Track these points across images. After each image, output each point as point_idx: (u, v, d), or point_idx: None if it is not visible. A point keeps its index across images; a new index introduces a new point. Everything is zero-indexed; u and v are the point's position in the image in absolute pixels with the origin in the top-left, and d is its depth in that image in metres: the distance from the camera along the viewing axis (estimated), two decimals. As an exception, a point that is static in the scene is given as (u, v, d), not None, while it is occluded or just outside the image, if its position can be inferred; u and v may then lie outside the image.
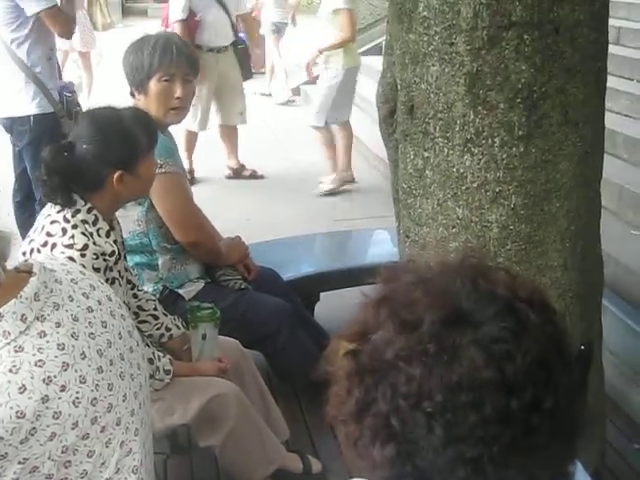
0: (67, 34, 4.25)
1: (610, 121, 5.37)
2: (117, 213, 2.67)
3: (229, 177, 6.65)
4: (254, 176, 6.64)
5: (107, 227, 2.17)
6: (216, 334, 2.53)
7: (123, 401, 1.52)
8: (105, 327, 1.54)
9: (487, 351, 0.83)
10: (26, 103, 4.02)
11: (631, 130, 5.34)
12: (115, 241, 2.19)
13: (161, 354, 2.32)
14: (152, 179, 2.36)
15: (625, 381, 3.43)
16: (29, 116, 4.01)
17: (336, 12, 5.73)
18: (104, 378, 1.47)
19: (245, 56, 6.60)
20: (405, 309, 0.87)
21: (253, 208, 5.78)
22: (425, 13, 2.02)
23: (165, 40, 2.89)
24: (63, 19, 4.02)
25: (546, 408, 0.83)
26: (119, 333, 1.58)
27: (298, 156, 7.29)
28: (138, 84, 2.84)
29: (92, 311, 1.52)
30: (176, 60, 2.86)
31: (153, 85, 2.83)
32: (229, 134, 6.53)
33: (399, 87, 2.16)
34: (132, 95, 2.90)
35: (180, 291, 2.82)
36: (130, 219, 2.73)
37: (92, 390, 1.43)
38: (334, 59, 5.92)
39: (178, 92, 2.85)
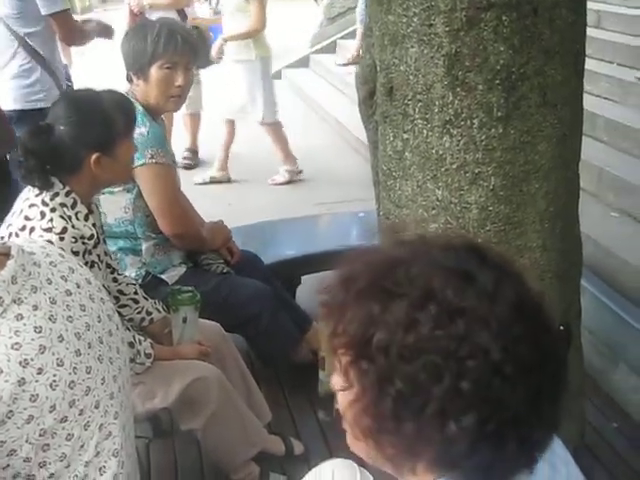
0: (69, 42, 4.21)
1: (590, 104, 5.40)
2: (105, 199, 2.68)
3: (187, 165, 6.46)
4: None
5: (86, 211, 2.16)
6: (197, 317, 2.53)
7: (102, 384, 1.52)
8: (84, 310, 1.53)
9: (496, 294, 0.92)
10: (41, 95, 3.92)
11: (611, 113, 5.37)
12: (94, 224, 2.18)
13: (142, 338, 2.32)
14: (131, 163, 2.35)
15: (604, 361, 3.46)
16: (42, 109, 3.91)
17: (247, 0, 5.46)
18: (82, 361, 1.47)
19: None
20: (410, 287, 0.91)
21: (235, 192, 5.77)
22: (404, -6, 2.01)
23: (170, 27, 2.89)
24: (70, 26, 3.96)
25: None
26: (98, 316, 1.58)
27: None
28: (138, 69, 2.83)
29: (71, 294, 1.52)
30: (180, 48, 2.86)
31: (154, 72, 2.82)
32: (194, 121, 6.43)
33: (378, 69, 2.16)
34: (129, 80, 2.88)
35: (163, 276, 2.82)
36: (117, 205, 2.73)
37: (70, 373, 1.43)
38: (244, 50, 5.58)
39: (179, 80, 2.86)
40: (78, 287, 1.55)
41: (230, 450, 2.53)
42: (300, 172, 6.18)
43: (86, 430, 1.48)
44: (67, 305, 1.49)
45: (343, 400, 0.98)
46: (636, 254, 3.92)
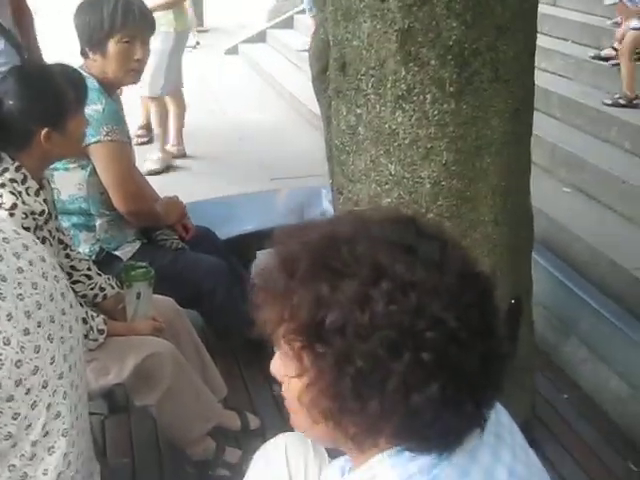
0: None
1: (544, 80, 5.48)
2: (59, 176, 2.64)
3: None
4: None
5: (36, 186, 2.13)
6: (151, 293, 2.52)
7: (51, 364, 1.50)
8: (35, 288, 1.51)
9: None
10: (4, 68, 3.79)
11: (565, 90, 5.44)
12: (45, 200, 2.15)
13: (94, 314, 2.30)
14: (82, 138, 2.32)
15: (556, 334, 3.52)
16: None
17: None
18: (30, 340, 1.45)
19: None
20: (357, 267, 0.91)
21: (193, 166, 5.74)
22: (357, -31, 2.01)
23: (126, 0, 2.83)
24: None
25: None
26: (50, 295, 1.56)
27: (237, 113, 7.25)
28: (95, 44, 2.77)
29: (22, 272, 1.50)
30: (139, 21, 2.83)
31: (112, 45, 2.77)
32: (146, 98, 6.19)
33: (331, 44, 2.15)
34: (84, 55, 2.82)
35: (117, 252, 2.79)
36: (71, 182, 2.69)
37: (17, 352, 1.41)
38: (164, 21, 5.30)
39: (138, 54, 2.83)
40: (31, 265, 1.53)
41: (185, 425, 2.53)
42: (182, 155, 5.93)
43: (33, 410, 1.46)
44: (18, 283, 1.47)
45: (295, 386, 0.97)
46: (587, 229, 3.99)
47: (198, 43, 10.48)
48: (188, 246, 2.99)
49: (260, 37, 10.54)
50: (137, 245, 2.85)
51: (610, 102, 5.12)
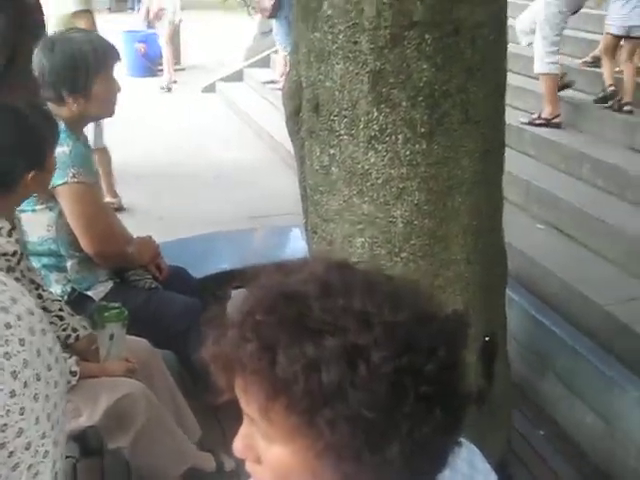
0: None
1: (517, 119, 5.55)
2: (28, 218, 2.63)
3: None
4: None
5: (9, 226, 2.12)
6: (124, 334, 2.50)
7: (35, 424, 1.46)
8: (23, 345, 1.46)
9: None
10: None
11: (537, 128, 5.51)
12: (17, 240, 2.14)
13: (67, 355, 2.29)
14: (54, 169, 2.34)
15: (532, 370, 3.54)
16: None
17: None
18: (16, 402, 1.41)
19: None
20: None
21: (167, 205, 5.73)
22: (329, 12, 2.04)
23: (97, 35, 2.87)
24: None
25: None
26: (37, 350, 1.51)
27: (214, 151, 7.27)
28: (79, 87, 2.73)
29: (10, 327, 1.45)
30: (115, 52, 2.86)
31: (99, 84, 2.77)
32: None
33: (304, 85, 2.17)
34: (57, 100, 2.75)
35: (89, 292, 2.78)
36: (40, 224, 2.68)
37: (2, 416, 1.38)
38: None
39: (118, 84, 2.87)
40: (19, 319, 1.48)
41: (159, 467, 2.51)
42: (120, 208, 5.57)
43: (14, 471, 1.43)
44: (6, 340, 1.43)
45: (283, 458, 0.94)
46: (560, 265, 4.02)
47: (175, 82, 10.52)
48: (162, 286, 2.98)
49: (237, 76, 10.62)
50: (109, 285, 2.83)
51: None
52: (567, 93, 5.85)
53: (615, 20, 5.55)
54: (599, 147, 5.11)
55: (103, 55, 2.78)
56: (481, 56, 2.07)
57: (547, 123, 5.51)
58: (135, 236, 3.10)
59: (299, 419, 0.87)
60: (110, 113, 2.93)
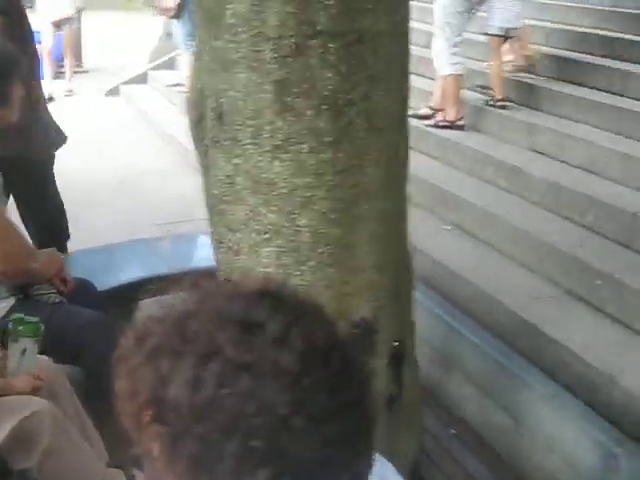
0: None
1: (422, 123, 5.62)
2: None
3: None
4: None
5: None
6: (36, 350, 2.43)
7: None
8: None
9: (289, 341, 0.85)
10: None
11: (441, 130, 5.60)
12: None
13: None
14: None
15: (440, 370, 3.59)
16: None
17: None
18: None
19: None
20: (191, 345, 0.86)
21: (70, 212, 5.57)
22: (232, 20, 2.02)
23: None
24: None
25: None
26: None
27: (118, 156, 7.12)
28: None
29: None
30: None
31: (16, 90, 2.73)
32: None
33: (208, 93, 2.15)
34: None
35: None
36: None
37: None
38: None
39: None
40: None
41: (68, 486, 2.43)
42: None
43: None
44: None
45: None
46: (466, 266, 4.10)
47: (70, 91, 10.04)
48: (67, 299, 2.89)
49: (142, 78, 10.41)
50: (12, 301, 2.74)
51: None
52: (468, 95, 5.98)
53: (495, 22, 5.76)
54: (501, 148, 5.24)
55: (15, 61, 2.71)
56: (384, 64, 2.08)
57: (451, 125, 5.61)
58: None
59: (146, 424, 0.87)
60: (15, 118, 2.87)
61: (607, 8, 6.62)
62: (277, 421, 0.82)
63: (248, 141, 2.06)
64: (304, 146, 2.03)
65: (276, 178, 2.06)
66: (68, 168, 6.15)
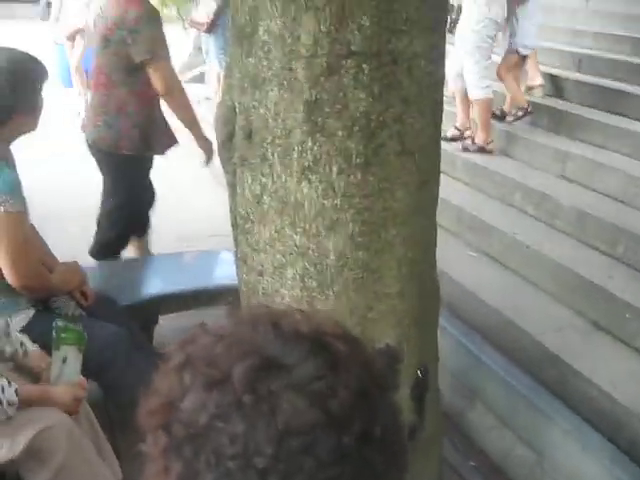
0: None
1: (451, 146, 5.60)
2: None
3: None
4: None
5: None
6: (79, 359, 2.41)
7: None
8: None
9: (306, 392, 0.79)
10: None
11: (470, 155, 5.56)
12: None
13: (6, 383, 2.18)
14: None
15: (462, 400, 3.53)
16: None
17: None
18: None
19: None
20: (209, 367, 0.82)
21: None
22: (265, 37, 1.99)
23: (24, 53, 2.81)
24: None
25: (376, 438, 0.81)
26: None
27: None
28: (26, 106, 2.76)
29: None
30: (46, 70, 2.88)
31: (42, 99, 2.82)
32: None
33: (238, 111, 2.11)
34: None
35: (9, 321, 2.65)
36: None
37: None
38: None
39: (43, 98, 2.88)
40: None
41: (80, 503, 2.39)
42: None
43: None
44: None
45: None
46: (491, 293, 4.04)
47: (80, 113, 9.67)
48: (86, 313, 2.87)
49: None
50: (31, 313, 2.71)
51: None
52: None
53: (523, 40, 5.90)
54: (530, 175, 5.17)
55: (35, 72, 2.72)
56: (418, 87, 2.04)
57: (481, 149, 5.56)
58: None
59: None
60: (35, 127, 2.87)
61: (638, 36, 6.56)
62: (254, 472, 0.78)
63: (277, 160, 2.03)
64: (334, 167, 1.98)
65: (304, 199, 2.02)
66: (94, 180, 6.16)
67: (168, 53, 3.79)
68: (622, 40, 6.64)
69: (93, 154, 4.00)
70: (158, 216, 5.83)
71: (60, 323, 2.50)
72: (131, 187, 3.89)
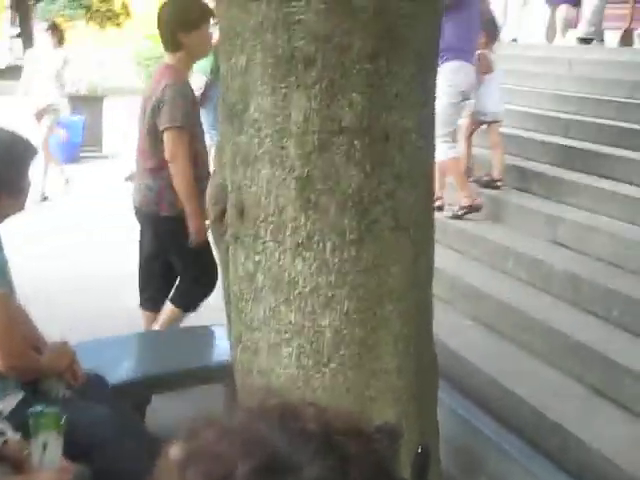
0: None
1: (441, 214, 5.58)
2: None
3: None
4: None
5: None
6: (60, 442, 2.34)
7: None
8: None
9: None
10: None
11: (461, 222, 5.56)
12: None
13: None
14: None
15: (463, 471, 3.45)
16: None
17: None
18: None
19: None
20: (213, 464, 0.78)
21: (88, 300, 5.51)
22: (256, 115, 1.99)
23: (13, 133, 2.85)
24: None
25: None
26: None
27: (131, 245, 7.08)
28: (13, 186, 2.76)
29: None
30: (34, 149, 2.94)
31: (28, 181, 2.82)
32: None
33: (230, 189, 2.11)
34: None
35: None
36: None
37: None
38: None
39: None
40: None
41: None
42: None
43: None
44: None
45: None
46: (488, 361, 3.99)
47: (46, 197, 8.76)
48: (76, 394, 2.80)
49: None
50: (20, 395, 2.65)
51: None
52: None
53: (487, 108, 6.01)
54: (521, 240, 5.17)
55: (21, 153, 2.72)
56: (410, 162, 2.04)
57: (470, 209, 5.57)
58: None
59: None
60: (22, 208, 2.86)
61: (623, 100, 6.66)
62: None
63: (270, 238, 2.01)
64: (327, 244, 1.97)
65: (298, 276, 2.00)
66: (88, 254, 6.15)
67: (186, 123, 3.89)
68: (606, 104, 6.72)
69: (138, 218, 4.19)
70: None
71: (35, 409, 2.43)
72: (180, 247, 3.99)
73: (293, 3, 1.92)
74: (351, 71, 1.94)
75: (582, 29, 8.91)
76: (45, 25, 9.46)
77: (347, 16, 1.91)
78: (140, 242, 4.24)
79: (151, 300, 4.22)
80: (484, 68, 5.90)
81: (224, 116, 2.14)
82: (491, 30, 6.21)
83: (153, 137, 3.94)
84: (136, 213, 4.18)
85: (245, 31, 2.00)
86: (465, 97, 5.78)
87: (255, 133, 2.00)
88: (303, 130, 1.93)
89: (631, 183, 5.31)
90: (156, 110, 3.85)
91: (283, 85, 1.92)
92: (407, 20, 1.99)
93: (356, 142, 1.94)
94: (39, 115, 8.75)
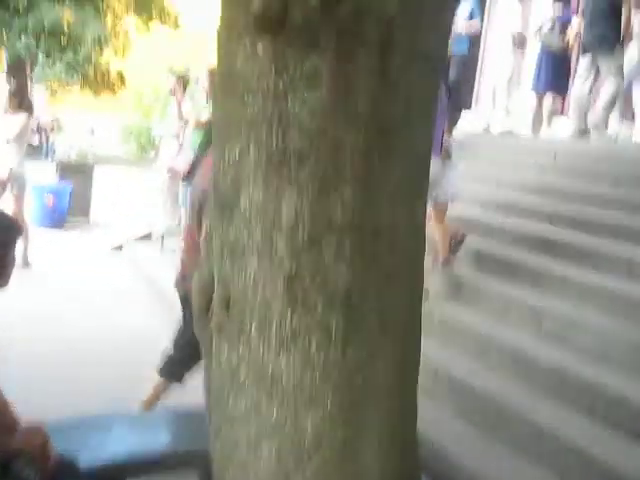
0: None
1: (429, 305, 5.56)
2: None
3: None
4: None
5: None
6: None
7: None
8: None
9: None
10: None
11: (444, 310, 5.56)
12: None
13: None
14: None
15: None
16: None
17: None
18: None
19: None
20: None
21: (58, 377, 5.41)
22: (247, 207, 1.98)
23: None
24: None
25: None
26: None
27: (117, 317, 7.04)
28: None
29: None
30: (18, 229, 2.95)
31: (13, 260, 2.80)
32: None
33: (216, 280, 2.08)
34: None
35: None
36: None
37: None
38: None
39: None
40: None
41: None
42: None
43: None
44: None
45: None
46: (469, 455, 3.93)
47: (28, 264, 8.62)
48: (48, 479, 2.71)
49: (148, 236, 10.43)
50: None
51: None
52: (468, 272, 6.00)
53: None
54: (505, 332, 5.15)
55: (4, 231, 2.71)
56: (400, 260, 2.03)
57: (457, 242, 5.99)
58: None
59: None
60: (6, 284, 2.83)
61: (605, 192, 6.76)
62: None
63: (255, 332, 1.98)
64: (313, 341, 1.93)
65: (281, 372, 1.96)
66: (69, 325, 6.07)
67: None
68: (589, 196, 6.81)
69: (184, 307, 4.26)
70: (124, 369, 5.66)
71: None
72: None
73: (289, 97, 1.92)
74: (344, 167, 1.93)
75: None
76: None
77: (343, 114, 1.91)
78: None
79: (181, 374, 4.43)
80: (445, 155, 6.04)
81: (215, 205, 2.12)
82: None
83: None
84: (183, 304, 4.25)
85: (240, 123, 2.01)
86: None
87: (245, 225, 1.98)
88: (293, 225, 1.91)
89: (615, 276, 5.35)
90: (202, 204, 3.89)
91: (275, 181, 1.92)
92: (402, 119, 2.00)
93: (346, 239, 1.92)
94: (2, 185, 8.43)
